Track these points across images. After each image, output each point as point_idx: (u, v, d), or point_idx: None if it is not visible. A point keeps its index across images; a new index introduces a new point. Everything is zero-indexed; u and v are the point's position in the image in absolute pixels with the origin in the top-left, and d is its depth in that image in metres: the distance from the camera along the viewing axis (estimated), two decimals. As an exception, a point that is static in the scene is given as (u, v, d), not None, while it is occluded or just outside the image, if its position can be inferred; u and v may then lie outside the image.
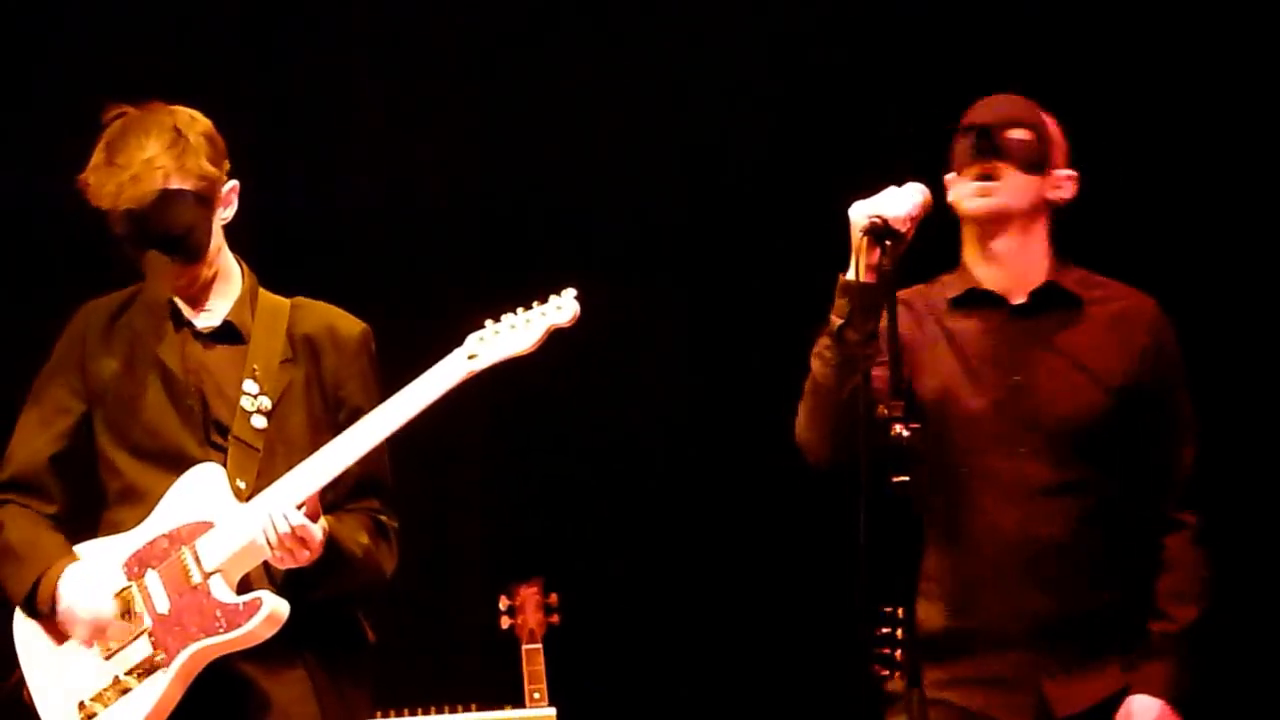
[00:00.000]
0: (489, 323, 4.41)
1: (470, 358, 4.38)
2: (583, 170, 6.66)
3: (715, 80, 6.63)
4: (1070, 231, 4.63)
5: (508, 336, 4.38)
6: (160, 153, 4.40)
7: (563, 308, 4.38)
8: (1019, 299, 4.54)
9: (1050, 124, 4.57)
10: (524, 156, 6.68)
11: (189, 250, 4.44)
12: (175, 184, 4.40)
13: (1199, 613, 4.46)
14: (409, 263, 6.60)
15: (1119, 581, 4.49)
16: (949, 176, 4.56)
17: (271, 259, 4.72)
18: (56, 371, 4.57)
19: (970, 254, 4.57)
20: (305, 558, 4.32)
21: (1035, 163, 4.52)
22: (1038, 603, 4.43)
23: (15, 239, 6.41)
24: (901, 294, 4.36)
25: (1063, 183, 4.56)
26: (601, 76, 6.66)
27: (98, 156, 4.43)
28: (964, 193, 4.52)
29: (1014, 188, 4.51)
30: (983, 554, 4.44)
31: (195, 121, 4.48)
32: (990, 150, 4.49)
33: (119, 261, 4.54)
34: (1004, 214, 4.52)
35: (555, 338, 4.37)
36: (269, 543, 4.29)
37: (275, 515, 4.29)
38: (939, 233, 4.51)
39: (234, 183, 4.52)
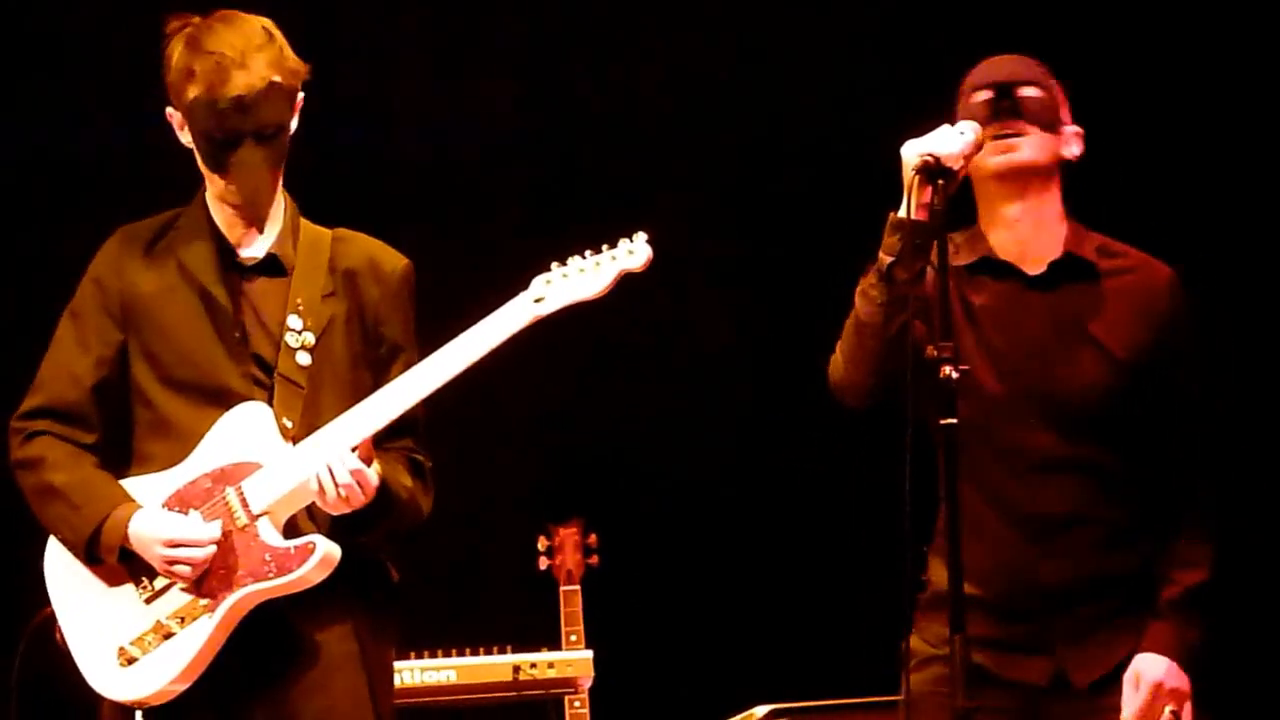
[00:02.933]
0: (555, 265, 4.25)
1: (537, 301, 4.23)
2: (641, 118, 6.64)
3: (766, 28, 6.58)
4: (1091, 197, 4.51)
5: (576, 280, 4.23)
6: (262, 45, 4.26)
7: (635, 252, 4.23)
8: (1035, 270, 4.39)
9: (1056, 82, 4.46)
10: (580, 104, 6.69)
11: (282, 150, 4.30)
12: (278, 78, 4.24)
13: (1206, 576, 4.33)
14: (456, 203, 6.57)
15: (1129, 552, 4.34)
16: None
17: (318, 192, 4.55)
18: (91, 296, 4.37)
19: (986, 217, 4.43)
20: (360, 502, 4.17)
21: (1050, 120, 4.38)
22: (1047, 574, 4.30)
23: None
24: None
25: (1073, 139, 4.43)
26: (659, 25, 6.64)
27: (180, 54, 4.25)
28: (985, 150, 4.35)
29: (1035, 144, 4.36)
30: (991, 524, 4.30)
31: (273, 26, 4.32)
32: (1010, 110, 4.35)
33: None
34: (1028, 170, 4.37)
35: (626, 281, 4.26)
36: (325, 488, 4.14)
37: (334, 461, 4.14)
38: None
39: (302, 94, 4.36)
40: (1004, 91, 4.33)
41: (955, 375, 3.94)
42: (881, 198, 4.23)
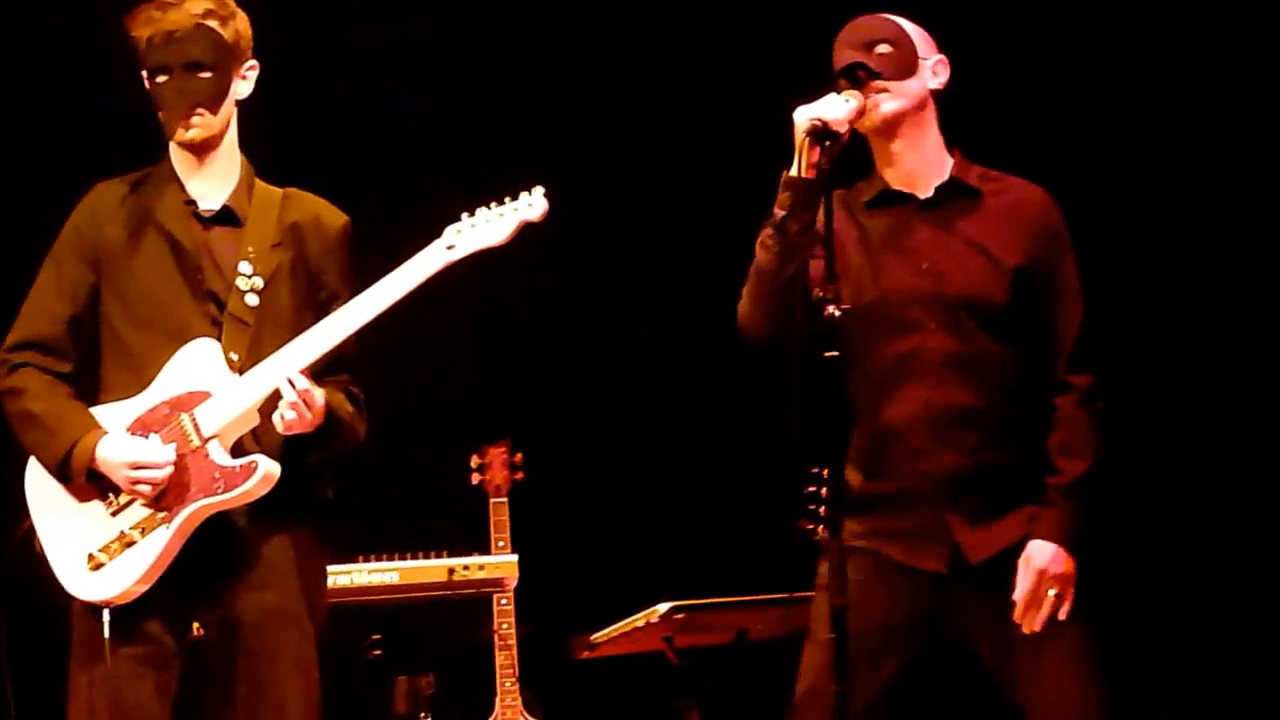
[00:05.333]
0: (465, 216, 4.35)
1: (449, 248, 4.34)
2: (547, 78, 6.64)
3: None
4: (974, 134, 4.56)
5: (483, 229, 4.33)
6: (202, 1, 4.38)
7: (533, 204, 4.34)
8: (925, 194, 4.47)
9: (908, 26, 4.49)
10: (489, 76, 6.68)
11: (208, 87, 4.38)
12: (212, 23, 4.37)
13: (1089, 465, 4.38)
14: (390, 162, 6.57)
15: (1020, 441, 4.39)
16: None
17: (269, 156, 4.60)
18: (70, 243, 4.47)
19: (878, 159, 4.51)
20: (310, 422, 4.27)
21: (905, 67, 4.42)
22: (946, 462, 4.36)
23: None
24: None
25: (936, 68, 4.49)
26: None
27: (138, 10, 4.39)
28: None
29: (893, 95, 4.41)
30: (895, 421, 4.37)
31: (232, 1, 4.46)
32: (865, 75, 4.39)
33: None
34: (895, 119, 4.43)
35: (525, 230, 4.33)
36: (281, 409, 4.24)
37: (283, 383, 4.24)
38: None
39: (255, 62, 4.47)
40: (853, 68, 4.36)
41: (838, 314, 4.01)
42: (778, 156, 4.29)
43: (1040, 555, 4.32)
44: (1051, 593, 4.30)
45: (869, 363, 4.37)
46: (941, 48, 4.50)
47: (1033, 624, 4.31)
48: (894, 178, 4.46)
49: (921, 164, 4.45)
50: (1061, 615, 4.31)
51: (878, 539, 4.36)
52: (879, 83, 4.37)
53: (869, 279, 4.39)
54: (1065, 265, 4.45)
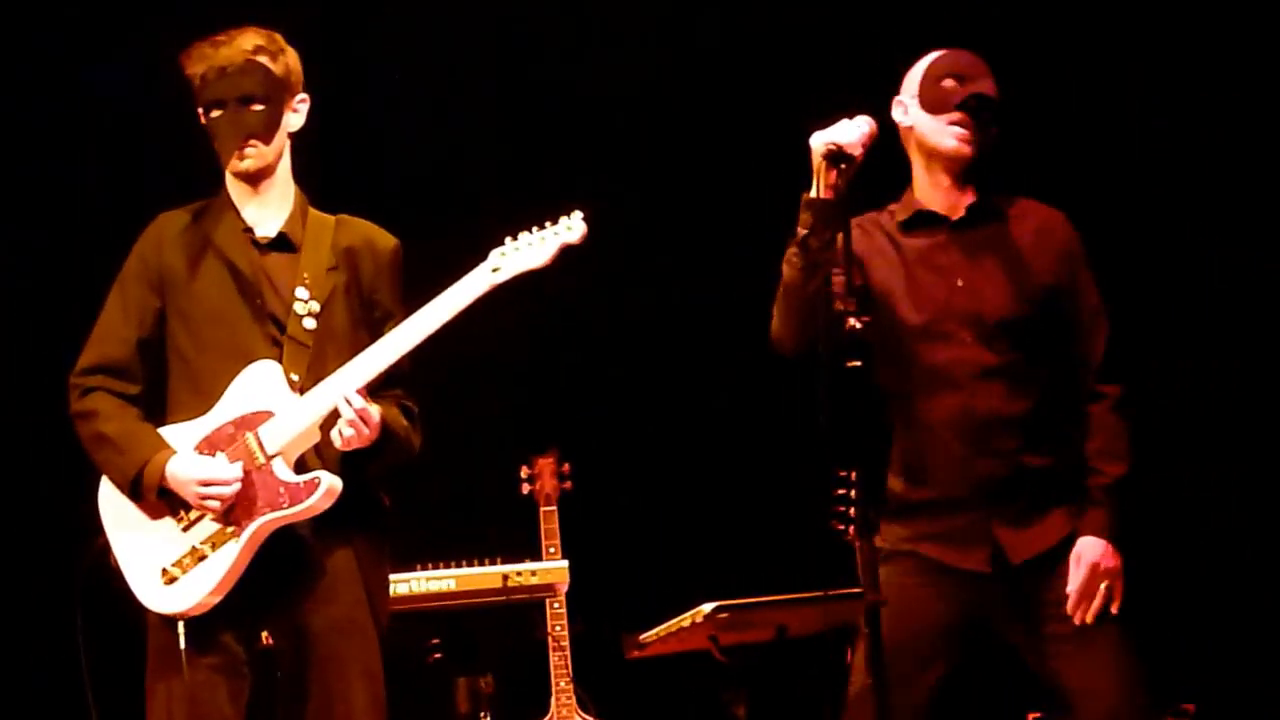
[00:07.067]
0: (508, 240, 4.40)
1: (494, 271, 4.38)
2: (587, 102, 6.66)
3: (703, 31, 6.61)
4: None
5: (525, 252, 4.37)
6: (254, 35, 4.45)
7: (573, 228, 4.38)
8: (957, 215, 4.55)
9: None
10: (531, 106, 6.69)
11: (261, 119, 4.44)
12: (262, 59, 4.43)
13: (1126, 468, 4.46)
14: (434, 187, 6.60)
15: (1055, 446, 4.47)
16: (914, 110, 4.56)
17: (321, 185, 4.68)
18: (135, 270, 4.52)
19: (921, 182, 4.57)
20: (367, 437, 4.32)
21: (994, 118, 4.51)
22: (983, 468, 4.43)
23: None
24: (854, 219, 4.36)
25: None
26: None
27: (192, 49, 4.47)
28: (946, 134, 4.52)
29: (982, 143, 4.51)
30: (933, 430, 4.43)
31: (282, 39, 4.52)
32: (981, 108, 4.47)
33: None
34: (977, 160, 4.53)
35: (567, 252, 4.37)
36: (340, 427, 4.29)
37: (341, 402, 4.29)
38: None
39: (305, 95, 4.54)
40: (984, 99, 4.42)
41: (859, 326, 4.02)
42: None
43: (1092, 551, 4.40)
44: (1104, 586, 4.38)
45: (907, 374, 4.44)
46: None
47: (1085, 615, 4.38)
48: (931, 200, 4.53)
49: (960, 194, 4.54)
50: (1114, 609, 4.39)
51: (921, 542, 4.43)
52: (982, 121, 4.44)
53: (906, 295, 4.46)
54: (1087, 283, 4.54)
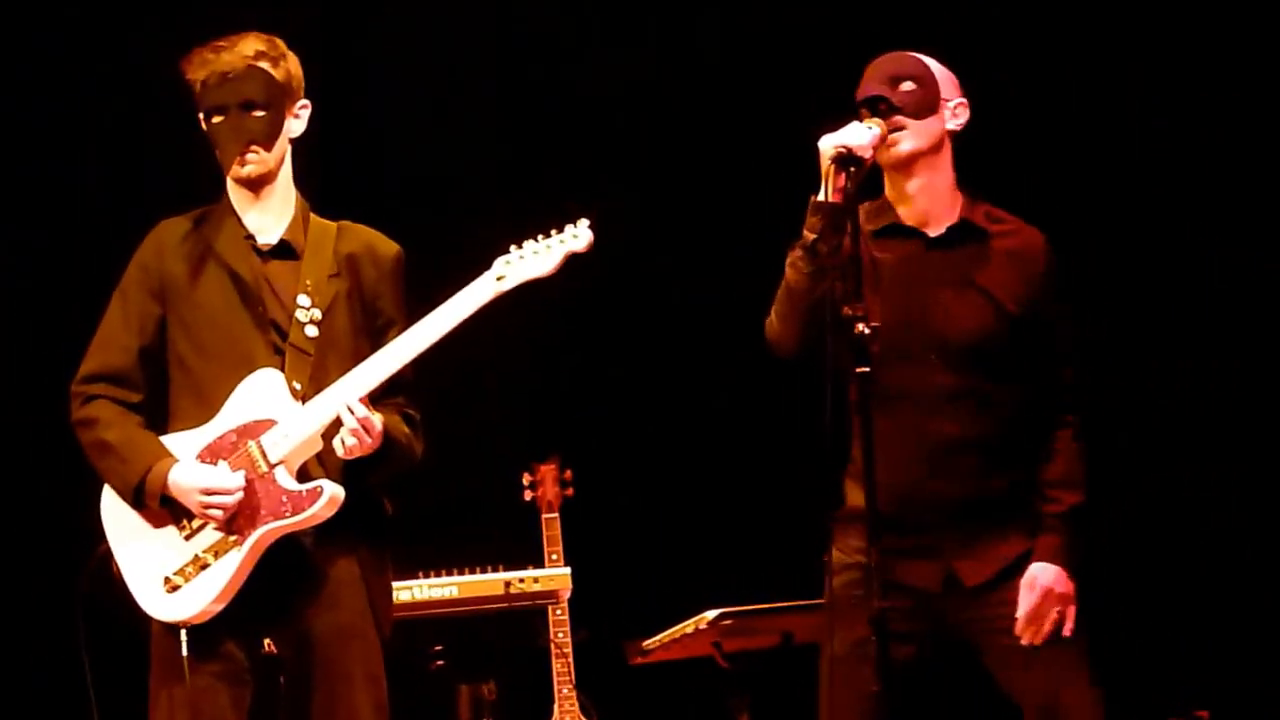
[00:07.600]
0: (513, 248, 4.36)
1: (498, 279, 4.34)
2: (591, 109, 6.66)
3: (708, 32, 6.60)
4: (977, 169, 4.57)
5: (531, 261, 4.34)
6: (254, 41, 4.43)
7: (579, 236, 4.34)
8: (935, 232, 4.48)
9: (934, 67, 4.49)
10: (532, 110, 6.70)
11: (262, 125, 4.41)
12: (263, 65, 4.40)
13: (1081, 497, 4.43)
14: (434, 187, 6.59)
15: (1011, 470, 4.43)
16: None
17: (321, 187, 4.67)
18: (136, 278, 4.49)
19: (890, 191, 4.52)
20: (369, 445, 4.30)
21: (926, 107, 4.42)
22: (942, 489, 4.39)
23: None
24: None
25: (957, 110, 4.49)
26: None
27: (193, 54, 4.44)
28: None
29: (912, 134, 4.42)
30: (893, 446, 4.32)
31: (283, 44, 4.49)
32: (887, 109, 4.39)
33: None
34: (911, 156, 4.44)
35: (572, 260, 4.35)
36: (342, 435, 4.26)
37: (343, 410, 4.27)
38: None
39: (307, 101, 4.51)
40: (876, 101, 4.36)
41: (867, 331, 4.02)
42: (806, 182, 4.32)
43: (1044, 576, 4.36)
44: (1055, 611, 4.35)
45: (875, 391, 4.29)
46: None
47: (1034, 639, 4.35)
48: (905, 214, 4.47)
49: (933, 204, 4.47)
50: (1066, 632, 4.35)
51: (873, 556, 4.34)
52: (899, 118, 4.38)
53: (875, 309, 4.32)
54: (1061, 308, 4.49)
